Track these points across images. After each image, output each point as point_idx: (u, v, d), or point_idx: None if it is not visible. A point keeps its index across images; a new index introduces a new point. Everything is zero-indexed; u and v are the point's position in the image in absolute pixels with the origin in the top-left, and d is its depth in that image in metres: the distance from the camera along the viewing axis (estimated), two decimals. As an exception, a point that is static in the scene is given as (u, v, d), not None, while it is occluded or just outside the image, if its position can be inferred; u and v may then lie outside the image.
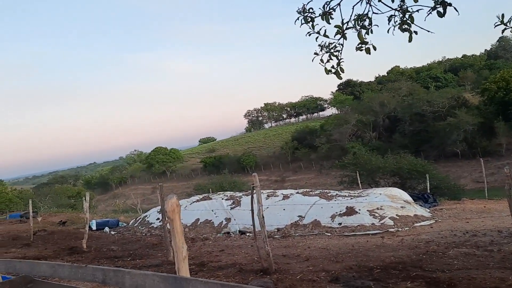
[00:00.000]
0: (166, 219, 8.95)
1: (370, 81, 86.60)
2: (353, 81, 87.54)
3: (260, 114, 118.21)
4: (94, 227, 16.60)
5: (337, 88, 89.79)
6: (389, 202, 11.69)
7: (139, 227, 16.27)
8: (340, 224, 10.98)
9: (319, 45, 3.84)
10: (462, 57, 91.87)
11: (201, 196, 17.57)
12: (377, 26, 3.79)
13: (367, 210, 11.15)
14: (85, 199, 12.75)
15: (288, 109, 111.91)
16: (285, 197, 13.66)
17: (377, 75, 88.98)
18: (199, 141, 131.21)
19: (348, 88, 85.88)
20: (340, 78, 4.00)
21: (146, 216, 17.41)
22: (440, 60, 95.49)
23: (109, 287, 4.96)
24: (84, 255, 10.43)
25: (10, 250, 11.92)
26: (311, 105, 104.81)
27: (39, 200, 38.55)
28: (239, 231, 12.64)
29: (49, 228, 18.01)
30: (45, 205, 35.56)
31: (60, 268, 3.72)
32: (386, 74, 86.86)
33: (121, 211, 32.55)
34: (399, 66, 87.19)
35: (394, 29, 3.69)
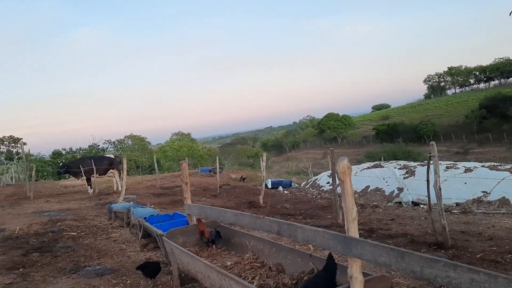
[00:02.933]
0: (337, 182, 9.11)
1: None
2: None
3: (442, 79, 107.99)
4: (269, 186, 17.95)
5: (542, 48, 75.71)
6: None
7: (310, 189, 16.94)
8: (535, 204, 9.55)
9: (519, -4, 3.29)
10: None
11: (372, 164, 17.26)
12: None
13: None
14: (262, 159, 13.82)
15: (477, 73, 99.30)
16: (467, 170, 12.43)
17: None
18: (372, 108, 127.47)
19: (558, 47, 71.48)
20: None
21: (316, 179, 17.99)
22: None
23: (283, 238, 5.40)
24: (260, 209, 11.42)
25: (201, 199, 13.78)
26: (506, 68, 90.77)
27: (224, 158, 43.15)
28: (412, 202, 12.10)
29: (232, 183, 20.14)
30: (229, 163, 39.68)
31: (242, 217, 4.18)
32: None
33: (293, 173, 34.23)
34: None
35: None
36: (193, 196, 8.68)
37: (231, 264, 4.40)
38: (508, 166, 12.43)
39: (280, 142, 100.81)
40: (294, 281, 3.72)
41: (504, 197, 10.26)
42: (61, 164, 19.43)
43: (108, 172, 18.47)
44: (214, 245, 5.05)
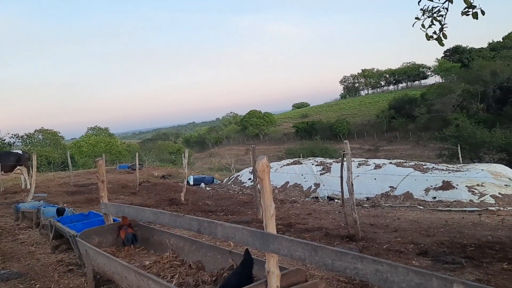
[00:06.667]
0: (257, 179, 9.32)
1: (482, 48, 78.23)
2: (462, 47, 79.96)
3: (356, 81, 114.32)
4: (191, 182, 17.79)
5: (443, 55, 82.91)
6: (491, 179, 10.85)
7: (232, 185, 17.08)
8: (434, 198, 10.51)
9: (421, 9, 3.61)
10: None
11: (291, 160, 17.82)
12: (491, -13, 3.45)
13: (466, 186, 10.49)
14: (184, 156, 13.65)
15: (387, 76, 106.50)
16: (377, 166, 13.34)
17: (490, 41, 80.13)
18: (292, 106, 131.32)
19: (456, 55, 78.68)
20: (442, 44, 3.73)
21: (238, 175, 18.17)
22: None
23: (203, 236, 5.40)
24: (182, 206, 11.30)
25: (119, 196, 13.30)
26: (412, 72, 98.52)
27: (144, 154, 41.91)
28: (328, 196, 12.71)
29: (152, 180, 19.67)
30: (149, 159, 38.62)
31: (162, 215, 4.13)
32: (501, 40, 77.92)
33: (216, 169, 34.20)
34: (517, 31, 77.39)
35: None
36: (110, 194, 8.34)
37: (149, 263, 4.33)
38: (412, 163, 13.55)
39: (203, 138, 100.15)
40: (213, 278, 3.76)
41: (408, 191, 11.17)
42: None
43: (15, 169, 17.10)
44: (132, 245, 4.93)
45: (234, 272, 3.33)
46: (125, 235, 4.93)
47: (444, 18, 3.62)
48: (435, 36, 3.70)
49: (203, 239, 5.22)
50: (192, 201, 12.41)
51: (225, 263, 3.89)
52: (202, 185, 17.84)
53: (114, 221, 5.51)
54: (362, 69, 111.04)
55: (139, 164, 18.56)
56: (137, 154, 19.28)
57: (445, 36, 3.69)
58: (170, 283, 3.61)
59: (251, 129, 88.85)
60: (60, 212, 7.30)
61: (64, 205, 9.90)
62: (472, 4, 3.43)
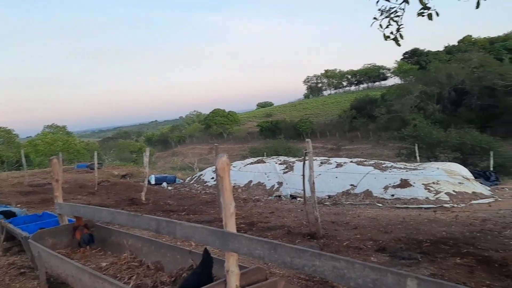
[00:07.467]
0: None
1: (438, 51, 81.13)
2: (419, 50, 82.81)
3: (319, 81, 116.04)
4: (153, 182, 17.48)
5: (402, 57, 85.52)
6: (446, 177, 11.29)
7: (195, 184, 16.91)
8: (392, 195, 10.81)
9: (379, 10, 3.68)
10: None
11: (255, 159, 17.85)
12: (445, -9, 3.57)
13: (422, 184, 10.86)
14: (146, 155, 13.40)
15: (349, 76, 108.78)
16: (339, 165, 13.57)
17: (446, 45, 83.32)
18: (256, 105, 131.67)
19: (414, 57, 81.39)
20: (399, 45, 3.83)
21: (201, 174, 18.03)
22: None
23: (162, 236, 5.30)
24: (142, 206, 11.07)
25: (76, 197, 12.86)
26: (373, 73, 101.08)
27: (104, 153, 40.92)
28: (290, 195, 12.80)
29: (112, 179, 19.18)
30: (109, 158, 37.71)
31: (119, 215, 4.01)
32: (456, 44, 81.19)
33: (179, 169, 33.77)
34: (471, 36, 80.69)
35: (462, -5, 3.45)
36: (67, 194, 8.06)
37: (106, 265, 4.19)
38: (372, 162, 13.89)
39: (166, 137, 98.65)
40: (172, 279, 3.68)
41: (368, 189, 11.45)
42: None
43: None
44: (88, 246, 4.77)
45: (194, 272, 3.28)
46: (80, 236, 4.76)
47: (401, 19, 3.72)
48: (392, 36, 3.79)
49: (164, 239, 5.12)
50: (153, 201, 12.19)
51: (185, 263, 3.81)
52: (164, 184, 17.57)
53: (69, 221, 5.31)
54: (325, 70, 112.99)
55: (98, 163, 18.06)
56: (95, 153, 18.77)
57: (401, 37, 3.78)
58: (127, 284, 3.51)
59: (215, 128, 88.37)
60: (6, 215, 6.96)
61: (18, 205, 9.49)
62: (427, 5, 3.53)
